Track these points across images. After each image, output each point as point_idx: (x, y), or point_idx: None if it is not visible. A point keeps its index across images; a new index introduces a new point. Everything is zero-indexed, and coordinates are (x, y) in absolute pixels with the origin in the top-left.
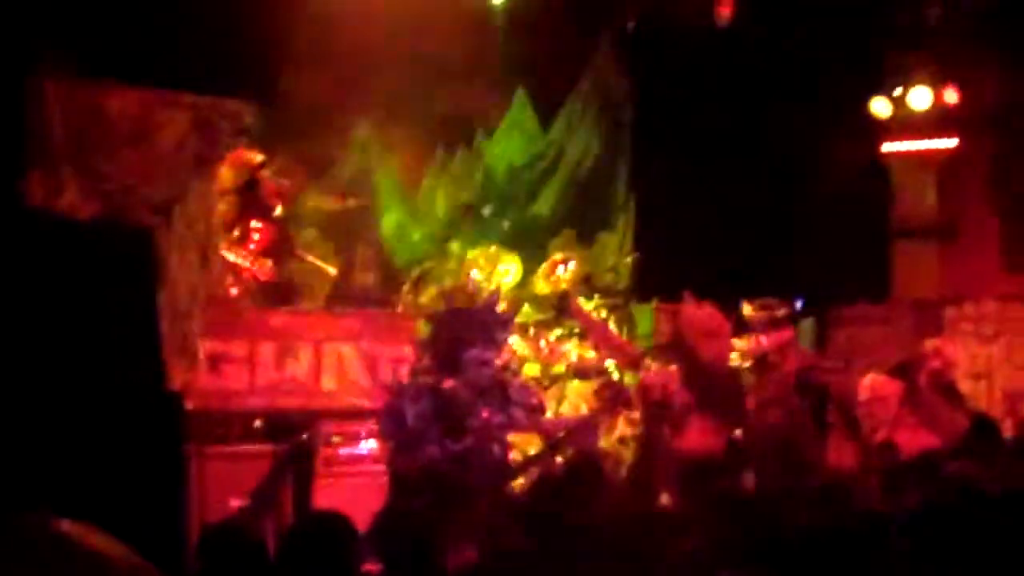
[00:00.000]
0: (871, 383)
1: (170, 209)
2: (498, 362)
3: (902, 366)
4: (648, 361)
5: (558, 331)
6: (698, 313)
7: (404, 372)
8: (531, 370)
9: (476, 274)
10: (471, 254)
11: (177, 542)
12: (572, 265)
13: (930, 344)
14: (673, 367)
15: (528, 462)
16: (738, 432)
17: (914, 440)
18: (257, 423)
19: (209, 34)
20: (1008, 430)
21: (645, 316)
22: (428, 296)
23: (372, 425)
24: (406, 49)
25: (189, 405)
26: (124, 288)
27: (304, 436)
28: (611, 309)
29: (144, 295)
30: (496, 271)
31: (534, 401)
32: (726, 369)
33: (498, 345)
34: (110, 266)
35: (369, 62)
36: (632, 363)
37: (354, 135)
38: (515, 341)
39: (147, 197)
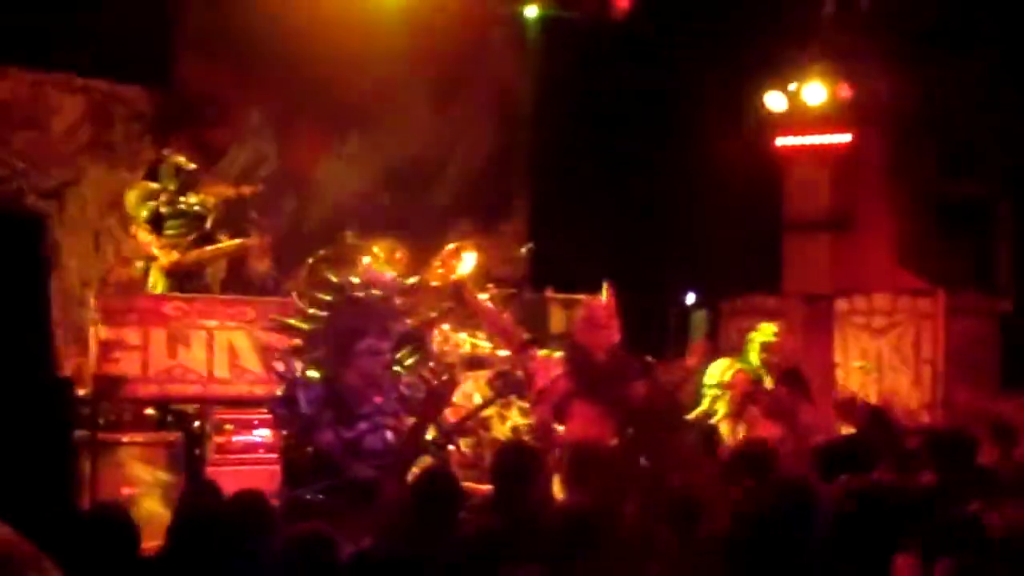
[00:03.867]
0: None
1: (63, 194)
2: (389, 354)
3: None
4: (533, 349)
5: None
6: (591, 303)
7: (296, 360)
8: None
9: (368, 262)
10: (365, 243)
11: (67, 530)
12: (468, 255)
13: (764, 328)
14: (558, 355)
15: (421, 450)
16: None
17: (755, 433)
18: (149, 411)
19: (103, 18)
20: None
21: None
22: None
23: (265, 413)
24: (302, 36)
25: (80, 392)
26: (14, 273)
27: (196, 424)
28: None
29: (35, 280)
30: (390, 260)
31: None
32: (611, 358)
33: (392, 336)
34: (0, 251)
35: (264, 48)
36: (516, 349)
37: (249, 121)
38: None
39: (39, 182)
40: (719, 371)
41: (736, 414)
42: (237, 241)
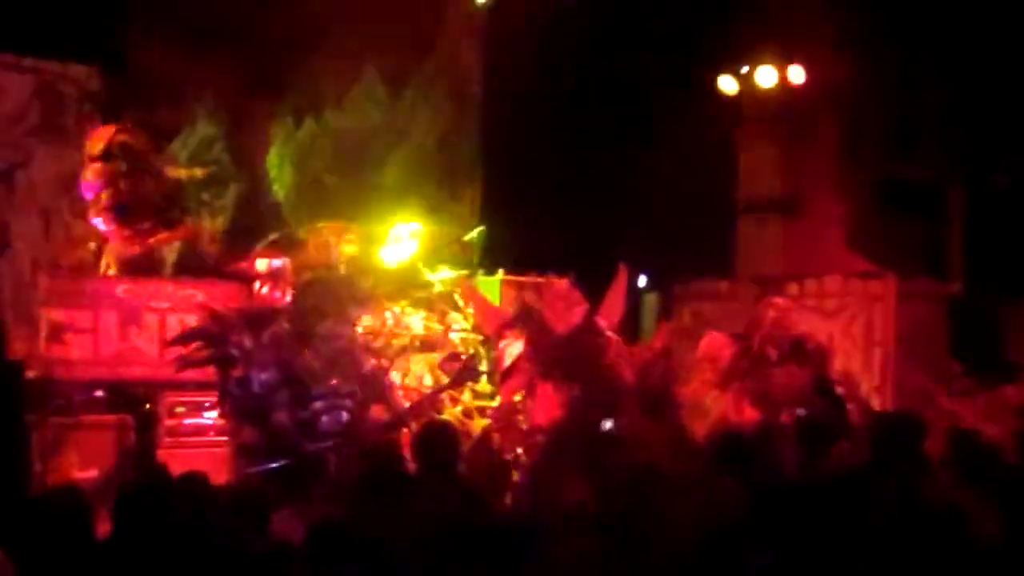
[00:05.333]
0: (707, 341)
1: (12, 176)
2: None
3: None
4: (511, 330)
5: (403, 303)
6: (554, 284)
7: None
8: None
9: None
10: (316, 224)
11: (17, 511)
12: (418, 236)
13: (766, 303)
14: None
15: (380, 430)
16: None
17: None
18: (99, 393)
19: None
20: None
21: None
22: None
23: (215, 396)
24: (254, 18)
25: (31, 374)
26: None
27: (147, 406)
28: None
29: None
30: (341, 241)
31: (387, 382)
32: (573, 338)
33: (351, 320)
34: None
35: (217, 31)
36: (495, 329)
37: (201, 104)
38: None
39: None
40: (707, 342)
41: (721, 386)
42: (188, 227)
